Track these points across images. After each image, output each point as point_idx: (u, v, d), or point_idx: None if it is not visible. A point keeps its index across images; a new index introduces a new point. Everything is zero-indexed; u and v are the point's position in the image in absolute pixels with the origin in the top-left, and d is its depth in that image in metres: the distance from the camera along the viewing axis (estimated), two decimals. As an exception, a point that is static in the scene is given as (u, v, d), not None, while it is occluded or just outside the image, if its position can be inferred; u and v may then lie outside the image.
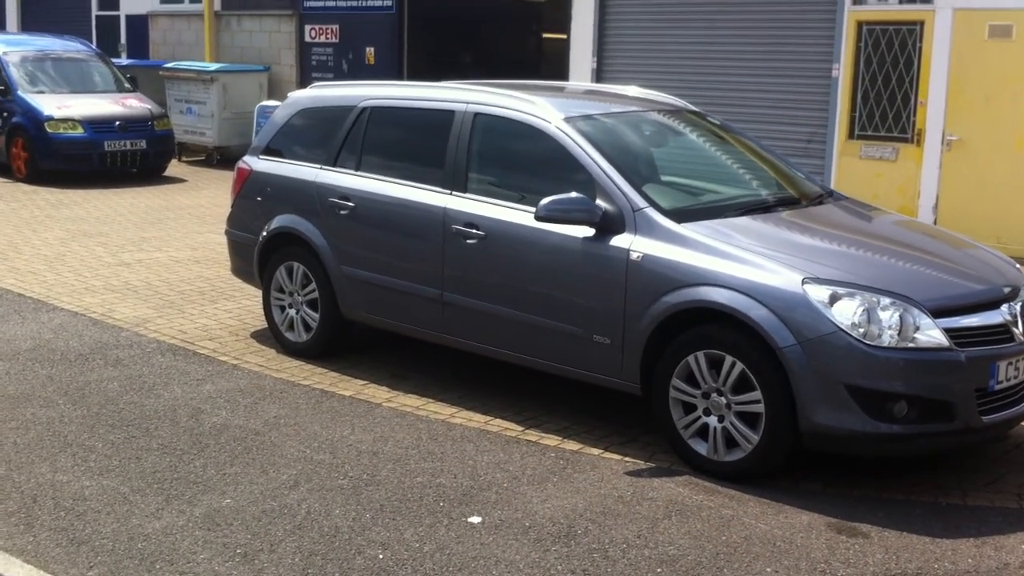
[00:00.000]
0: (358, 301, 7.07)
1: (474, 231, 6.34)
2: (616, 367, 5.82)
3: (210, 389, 6.78)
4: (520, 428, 6.18)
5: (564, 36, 19.91)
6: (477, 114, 6.59)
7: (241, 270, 8.07)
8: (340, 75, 17.80)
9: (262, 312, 8.41)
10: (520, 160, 6.59)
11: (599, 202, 5.86)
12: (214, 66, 18.12)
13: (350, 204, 7.02)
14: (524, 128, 6.40)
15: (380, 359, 7.44)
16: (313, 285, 7.31)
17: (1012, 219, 11.36)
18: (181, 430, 6.08)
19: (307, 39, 18.21)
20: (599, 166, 5.96)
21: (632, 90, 7.63)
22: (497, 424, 6.24)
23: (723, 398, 5.43)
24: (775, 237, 5.81)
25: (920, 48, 11.94)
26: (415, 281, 6.69)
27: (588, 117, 6.43)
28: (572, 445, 5.94)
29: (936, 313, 5.21)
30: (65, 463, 5.59)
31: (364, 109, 7.21)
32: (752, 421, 5.35)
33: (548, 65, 19.40)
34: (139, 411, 6.37)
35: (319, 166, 7.33)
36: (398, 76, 17.10)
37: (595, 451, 5.86)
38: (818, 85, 12.74)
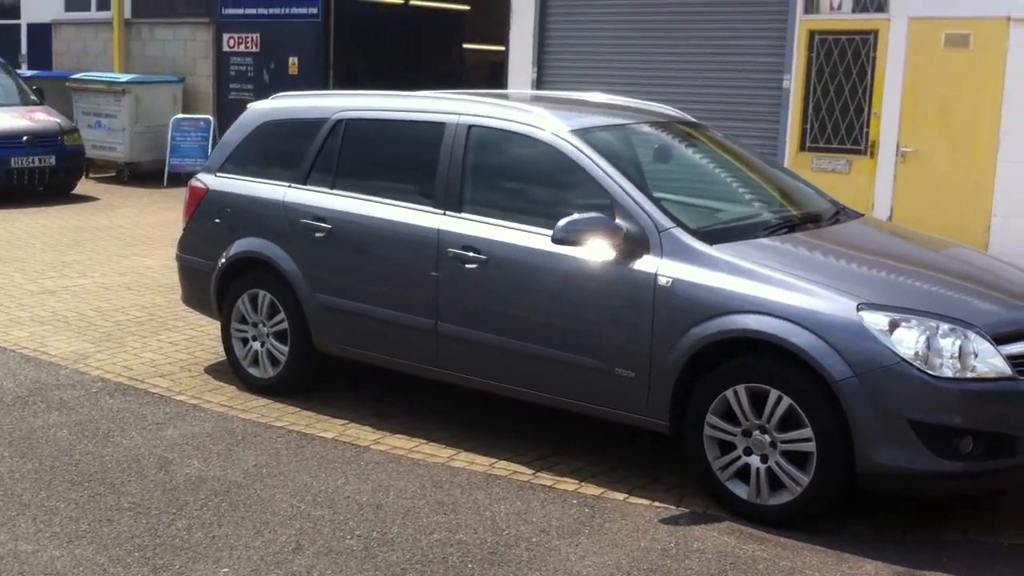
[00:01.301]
0: (335, 333, 6.45)
1: (473, 255, 5.78)
2: (641, 403, 5.31)
3: (173, 435, 6.09)
4: (530, 471, 5.63)
5: (487, 46, 19.47)
6: (472, 127, 6.03)
7: (194, 299, 7.38)
8: (260, 86, 17.04)
9: (212, 344, 7.78)
10: (523, 177, 6.06)
11: (619, 222, 5.35)
12: (126, 77, 17.20)
13: (326, 226, 6.39)
14: (526, 141, 5.87)
15: (356, 395, 6.83)
16: (282, 315, 6.66)
17: (968, 232, 11.15)
18: (151, 484, 5.39)
19: (225, 48, 17.41)
20: (617, 183, 5.46)
21: (623, 100, 7.13)
22: (504, 467, 5.69)
23: (767, 436, 4.96)
24: (813, 259, 5.38)
25: (874, 58, 11.72)
26: (404, 310, 6.10)
27: (595, 129, 5.92)
28: (592, 489, 5.41)
29: (997, 339, 4.81)
30: (26, 528, 4.87)
31: (339, 122, 6.60)
32: (801, 461, 4.89)
33: (469, 76, 18.90)
34: (98, 463, 5.66)
35: (287, 184, 6.69)
36: (323, 87, 16.41)
37: (619, 496, 5.34)
38: (768, 96, 12.44)
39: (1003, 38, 10.92)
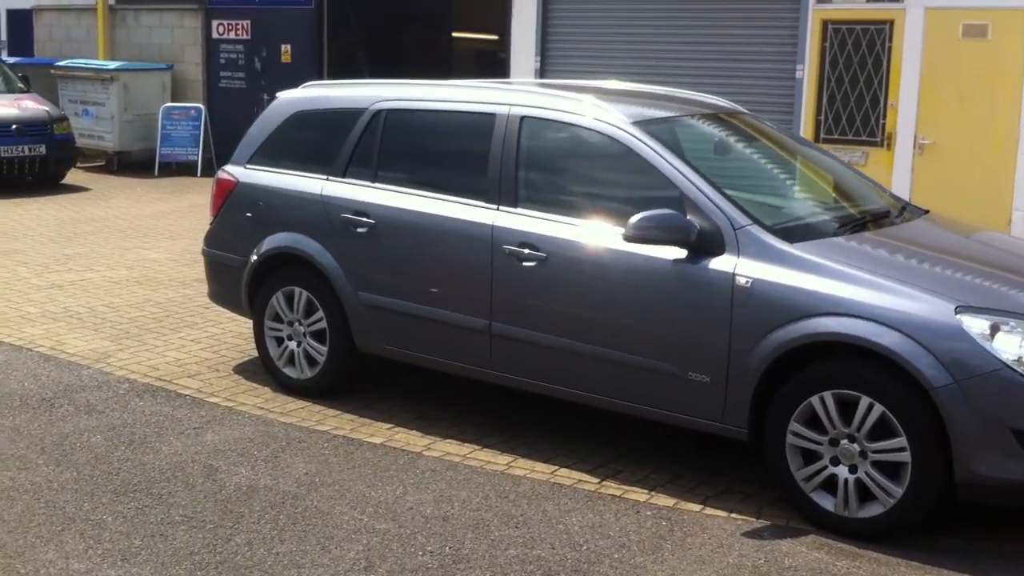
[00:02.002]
0: (378, 332, 6.18)
1: (531, 252, 5.52)
2: (717, 409, 5.08)
3: (214, 440, 5.81)
4: (595, 480, 5.40)
5: (475, 35, 19.15)
6: (524, 117, 5.77)
7: (222, 296, 7.08)
8: (252, 74, 16.68)
9: (238, 342, 7.52)
10: (581, 171, 5.81)
11: (691, 219, 5.11)
12: (114, 64, 16.76)
13: (369, 221, 6.12)
14: (585, 134, 5.62)
15: (396, 396, 6.56)
16: (320, 314, 6.38)
17: (989, 226, 10.99)
18: (201, 495, 5.11)
19: (215, 35, 17.00)
20: (687, 178, 5.22)
21: (662, 89, 6.90)
22: (566, 475, 5.44)
23: (856, 445, 4.74)
24: (896, 259, 5.16)
25: (890, 48, 11.54)
26: (455, 310, 5.84)
27: (656, 121, 5.68)
28: (663, 499, 5.18)
29: None
30: (75, 545, 4.59)
31: (378, 112, 6.31)
32: (893, 471, 4.68)
33: (459, 65, 18.57)
34: (140, 471, 5.37)
35: (324, 177, 6.41)
36: (318, 76, 16.05)
37: (694, 507, 5.11)
38: (781, 87, 12.24)
39: (1022, 28, 10.77)
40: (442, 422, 6.16)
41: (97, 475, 5.32)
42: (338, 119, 6.51)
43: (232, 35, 16.77)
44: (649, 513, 5.03)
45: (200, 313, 8.39)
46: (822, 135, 11.98)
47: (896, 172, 11.56)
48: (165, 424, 6.04)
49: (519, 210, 5.65)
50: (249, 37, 16.61)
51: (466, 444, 5.84)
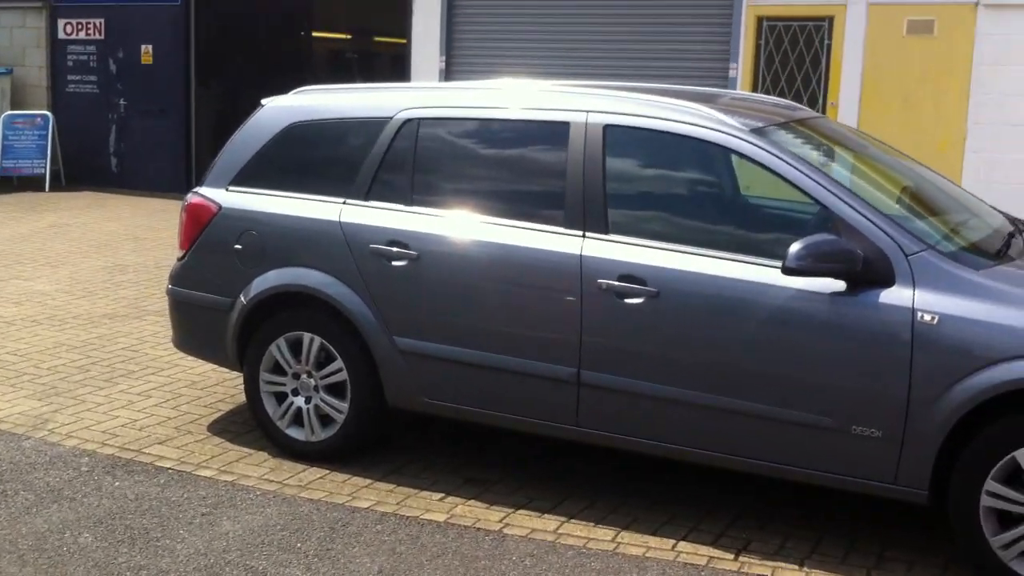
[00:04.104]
0: (421, 385, 5.13)
1: (638, 287, 4.59)
2: (889, 468, 4.26)
3: (236, 530, 4.65)
4: (727, 555, 4.51)
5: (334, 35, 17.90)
6: (608, 126, 4.82)
7: (196, 344, 5.87)
8: (106, 77, 15.08)
9: (194, 393, 6.45)
10: (690, 189, 4.91)
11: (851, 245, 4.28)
12: (-55, 67, 14.86)
13: (410, 253, 5.05)
14: (692, 145, 4.73)
15: (419, 456, 5.52)
16: (338, 363, 5.28)
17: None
18: (263, 614, 3.98)
19: (62, 35, 15.29)
20: (837, 195, 4.39)
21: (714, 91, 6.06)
22: (690, 551, 4.54)
23: (1074, 507, 4.01)
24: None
25: (829, 46, 11.10)
26: (530, 357, 4.85)
27: (773, 129, 4.83)
28: (823, 576, 4.34)
29: None
30: None
31: (407, 122, 5.25)
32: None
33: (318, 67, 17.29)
34: (165, 583, 4.19)
35: (341, 200, 5.30)
36: (184, 79, 14.64)
37: (863, 584, 4.30)
38: (713, 86, 11.61)
39: (970, 24, 10.48)
40: (499, 487, 5.16)
41: (111, 592, 4.11)
42: (351, 131, 5.42)
43: (83, 35, 15.11)
44: (820, 598, 4.18)
45: (131, 359, 7.09)
46: (757, 137, 11.42)
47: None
48: (162, 511, 4.83)
49: (613, 236, 4.70)
50: (102, 37, 14.99)
51: (546, 515, 4.86)
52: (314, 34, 15.56)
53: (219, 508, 4.87)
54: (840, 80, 10.98)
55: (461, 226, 5.01)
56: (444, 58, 12.79)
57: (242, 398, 6.33)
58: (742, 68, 11.38)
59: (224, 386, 6.58)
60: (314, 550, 4.48)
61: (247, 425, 5.89)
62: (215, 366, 6.70)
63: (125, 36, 14.84)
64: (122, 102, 14.97)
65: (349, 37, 16.09)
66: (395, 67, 13.74)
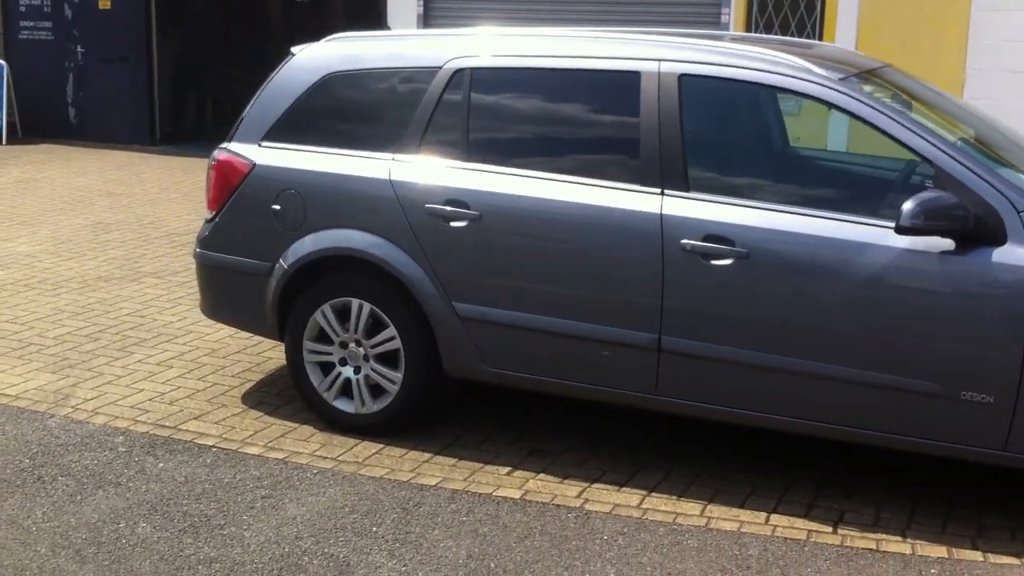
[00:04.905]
0: (482, 352, 4.85)
1: (726, 248, 4.34)
2: (999, 435, 4.08)
3: (302, 514, 4.37)
4: (827, 528, 4.31)
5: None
6: (684, 76, 4.54)
7: (229, 311, 5.53)
8: (61, 24, 14.41)
9: (217, 362, 6.17)
10: (776, 142, 4.66)
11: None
12: None
13: (471, 213, 4.75)
14: (778, 96, 4.47)
15: (474, 426, 5.26)
16: (391, 331, 4.98)
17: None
18: (357, 607, 3.72)
19: (13, -20, 14.57)
20: (944, 151, 4.16)
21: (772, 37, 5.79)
22: (788, 525, 4.34)
23: None
24: None
25: (825, -12, 10.84)
26: (605, 322, 4.59)
27: (866, 78, 4.58)
28: (933, 549, 4.14)
29: None
30: None
31: (458, 71, 4.92)
32: None
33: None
34: (244, 576, 3.91)
35: (390, 156, 4.98)
36: (145, 25, 14.04)
37: (976, 556, 4.12)
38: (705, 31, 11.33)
39: (970, -34, 10.27)
40: (565, 458, 4.92)
41: (188, 589, 3.82)
42: (396, 83, 5.08)
43: (35, -21, 14.40)
44: (934, 572, 4.00)
45: (139, 325, 6.73)
46: (750, 83, 11.18)
47: (832, 122, 10.91)
48: (218, 495, 4.53)
49: (694, 194, 4.44)
50: (57, -19, 14.30)
51: (624, 489, 4.63)
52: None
53: (278, 490, 4.58)
54: (836, 25, 10.73)
55: (525, 184, 4.71)
56: (422, 3, 12.35)
57: (269, 366, 6.05)
58: (734, 12, 11.09)
59: (246, 354, 6.26)
60: (392, 534, 4.21)
61: (284, 396, 5.59)
62: (232, 332, 6.44)
63: (80, -22, 14.18)
64: (79, 49, 14.33)
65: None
66: (365, 13, 13.30)
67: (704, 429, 5.04)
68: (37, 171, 12.44)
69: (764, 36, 5.79)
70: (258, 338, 6.33)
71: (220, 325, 6.40)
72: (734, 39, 5.00)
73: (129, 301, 7.26)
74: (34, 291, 7.47)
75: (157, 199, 10.94)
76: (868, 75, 4.86)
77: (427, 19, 12.36)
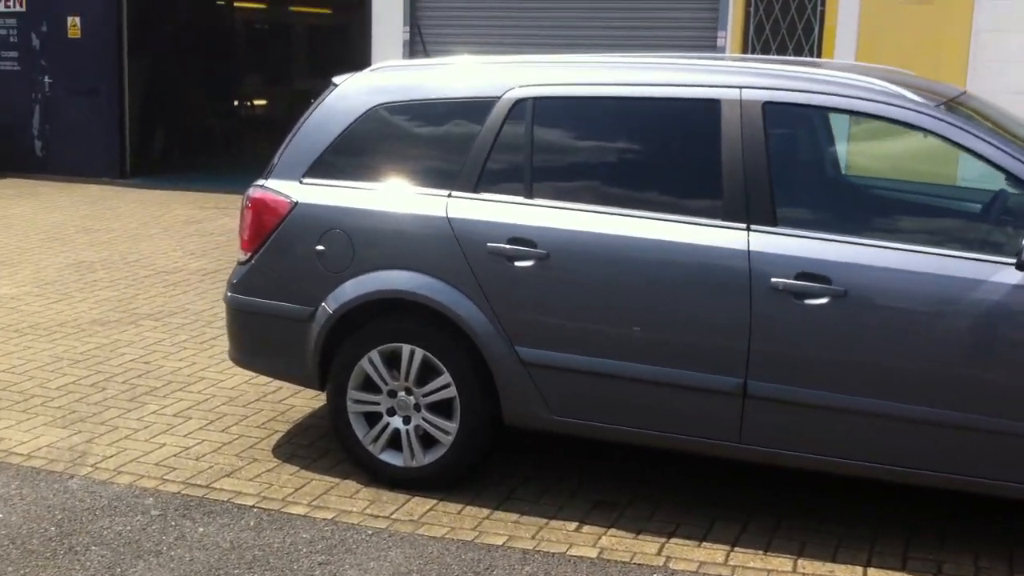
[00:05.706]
0: (546, 400, 4.53)
1: (821, 286, 4.06)
2: (1123, 482, 3.84)
3: (366, 581, 4.01)
4: (933, 583, 4.05)
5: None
6: (768, 104, 4.27)
7: (263, 358, 5.16)
8: (28, 53, 13.95)
9: (236, 411, 5.72)
10: (876, 174, 4.38)
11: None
12: None
13: (538, 252, 4.44)
14: (873, 124, 4.22)
15: (529, 478, 4.93)
16: (445, 378, 4.64)
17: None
18: None
19: (-24, 8, 14.07)
20: (1054, 181, 3.92)
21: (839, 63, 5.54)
22: (889, 580, 4.06)
23: None
24: None
25: (822, 13, 10.72)
26: (683, 366, 4.29)
27: (957, 104, 4.33)
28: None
29: None
30: None
31: (520, 102, 4.62)
32: None
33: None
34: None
35: (446, 193, 4.65)
36: (116, 55, 13.60)
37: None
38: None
39: (970, -9, 10.18)
40: (632, 510, 4.61)
41: (261, 675, 3.44)
42: (450, 114, 4.77)
43: (1, 7, 13.90)
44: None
45: (146, 373, 6.33)
46: (747, 109, 10.99)
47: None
48: (271, 562, 4.16)
49: (783, 229, 4.16)
50: (24, 9, 13.84)
51: (705, 545, 4.32)
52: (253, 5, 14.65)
53: (335, 555, 4.22)
54: (834, 49, 10.61)
55: (597, 220, 4.41)
56: (408, 29, 12.05)
57: (294, 415, 5.69)
58: (731, 36, 10.93)
59: (267, 401, 5.88)
60: (472, 604, 3.87)
61: (317, 448, 5.23)
62: (248, 378, 6.10)
63: (49, 6, 13.71)
64: (47, 80, 13.85)
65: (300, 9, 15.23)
66: (344, 38, 12.97)
67: (759, 473, 4.75)
68: (5, 207, 11.94)
69: (831, 61, 5.52)
70: (277, 384, 5.98)
71: (233, 370, 6.09)
72: (805, 64, 4.72)
73: (130, 346, 6.84)
74: (26, 337, 7.03)
75: (138, 235, 10.51)
76: (954, 103, 4.60)
77: (413, 45, 12.06)
